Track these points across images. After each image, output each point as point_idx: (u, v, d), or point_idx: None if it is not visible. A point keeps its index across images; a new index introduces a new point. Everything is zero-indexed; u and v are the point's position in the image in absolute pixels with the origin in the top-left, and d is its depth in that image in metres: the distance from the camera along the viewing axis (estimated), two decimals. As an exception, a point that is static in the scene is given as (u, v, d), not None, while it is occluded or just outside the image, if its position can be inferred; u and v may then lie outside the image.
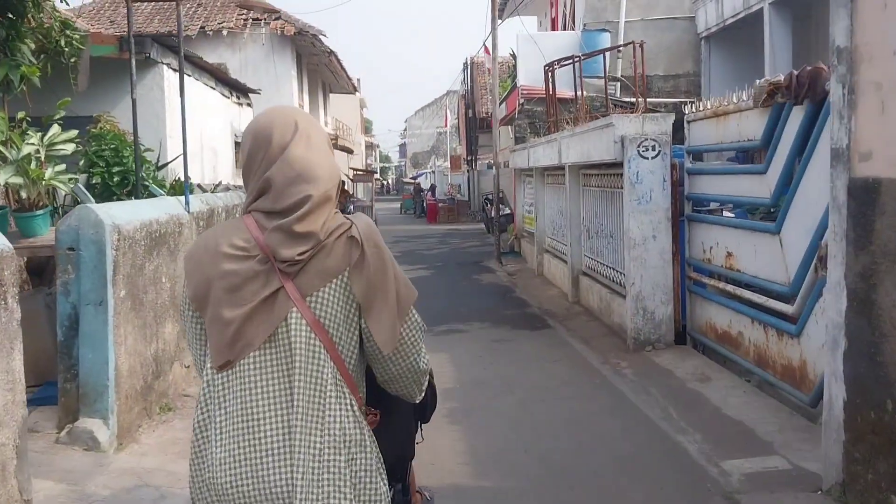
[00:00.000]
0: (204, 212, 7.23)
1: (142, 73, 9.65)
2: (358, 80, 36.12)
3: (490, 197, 26.08)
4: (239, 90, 13.96)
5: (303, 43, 23.06)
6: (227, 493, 1.76)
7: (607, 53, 16.38)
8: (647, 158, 7.43)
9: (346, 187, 30.17)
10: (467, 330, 8.86)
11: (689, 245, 7.51)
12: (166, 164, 9.48)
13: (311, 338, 1.78)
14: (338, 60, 25.48)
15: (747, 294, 6.23)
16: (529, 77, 17.70)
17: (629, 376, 6.62)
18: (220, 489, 1.76)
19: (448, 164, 42.03)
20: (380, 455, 1.87)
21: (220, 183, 9.57)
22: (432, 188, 32.83)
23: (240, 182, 13.42)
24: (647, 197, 7.45)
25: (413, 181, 46.72)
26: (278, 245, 1.76)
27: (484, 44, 27.81)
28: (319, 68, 26.83)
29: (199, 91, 11.28)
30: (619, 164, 8.21)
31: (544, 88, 15.41)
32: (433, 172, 44.02)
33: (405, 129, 74.33)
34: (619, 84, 17.79)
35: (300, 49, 23.69)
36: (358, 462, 1.80)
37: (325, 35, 22.20)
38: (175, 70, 9.92)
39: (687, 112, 7.42)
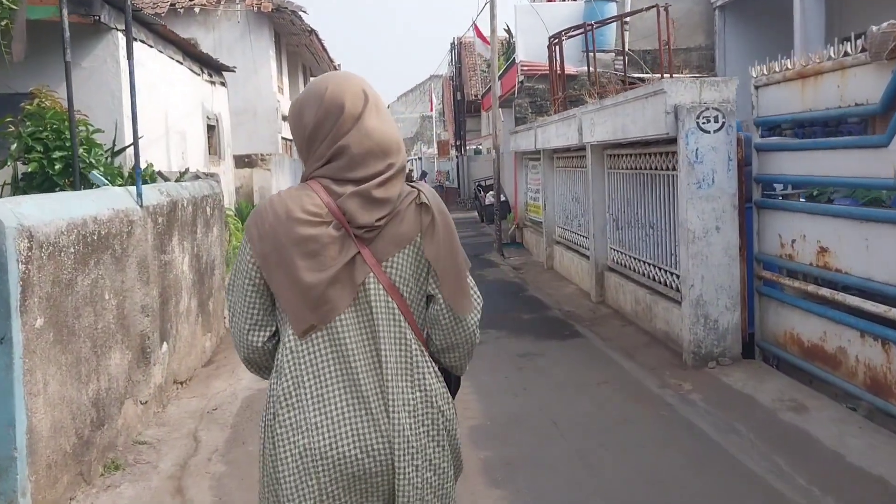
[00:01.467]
0: (164, 205, 5.80)
1: (92, 41, 8.16)
2: (339, 65, 34.52)
3: (483, 183, 24.70)
4: (211, 67, 12.45)
5: (281, 21, 21.46)
6: (326, 456, 1.77)
7: (615, 24, 15.03)
8: (709, 132, 6.08)
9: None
10: (484, 340, 7.48)
11: (758, 238, 6.19)
12: (123, 150, 7.98)
13: (388, 301, 1.83)
14: (318, 40, 23.91)
15: (854, 300, 4.91)
16: (529, 52, 16.32)
17: (701, 405, 5.29)
18: (318, 453, 1.77)
19: (434, 150, 40.55)
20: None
21: (186, 170, 8.11)
22: (423, 175, 31.35)
23: (213, 169, 11.95)
24: (709, 179, 6.10)
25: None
26: (356, 210, 1.80)
27: (474, 22, 26.34)
28: (299, 49, 25.24)
29: (164, 66, 9.79)
30: (664, 142, 6.88)
31: (548, 63, 14.05)
32: (419, 159, 42.49)
33: (387, 116, 72.44)
34: (627, 59, 16.45)
35: (278, 28, 22.11)
36: (447, 414, 1.89)
37: (304, 12, 20.64)
38: (133, 39, 8.42)
39: (755, 75, 6.07)
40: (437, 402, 1.87)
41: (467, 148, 31.05)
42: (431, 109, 40.83)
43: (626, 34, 16.59)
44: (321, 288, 1.78)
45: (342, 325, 1.81)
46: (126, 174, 7.02)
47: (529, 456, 4.57)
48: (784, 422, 4.85)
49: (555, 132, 10.88)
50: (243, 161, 14.01)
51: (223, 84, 13.18)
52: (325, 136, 1.84)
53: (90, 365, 4.19)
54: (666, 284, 7.20)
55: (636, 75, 14.89)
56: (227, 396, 6.03)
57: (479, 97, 27.67)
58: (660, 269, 7.38)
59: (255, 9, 20.03)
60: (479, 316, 1.98)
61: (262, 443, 1.87)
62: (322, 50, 25.28)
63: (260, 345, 1.89)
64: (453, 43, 30.99)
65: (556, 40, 13.38)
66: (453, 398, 2.05)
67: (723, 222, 6.13)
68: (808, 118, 5.42)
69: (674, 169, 6.86)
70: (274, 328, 1.90)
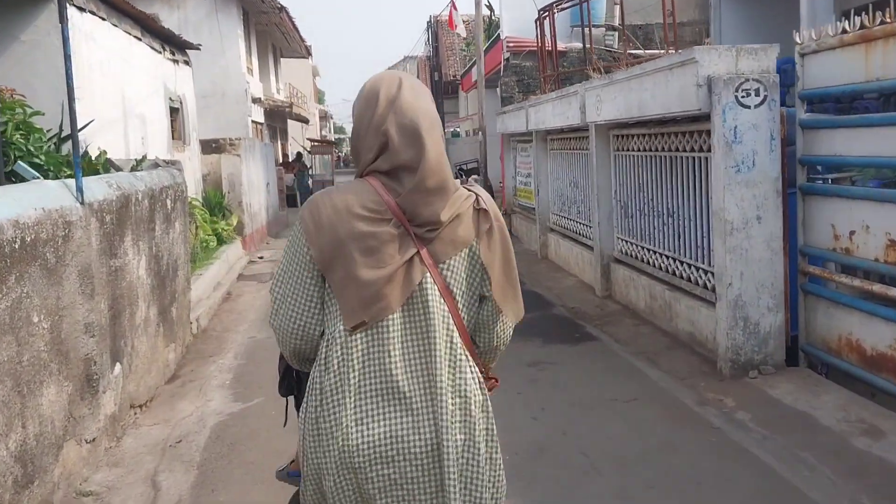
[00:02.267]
0: (112, 201, 4.87)
1: (33, 10, 7.16)
2: (310, 46, 33.22)
3: (465, 167, 23.80)
4: (174, 44, 11.41)
5: (250, -3, 20.36)
6: (363, 454, 1.75)
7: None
8: (749, 107, 5.26)
9: (302, 159, 27.61)
10: (486, 345, 6.67)
11: (802, 228, 5.41)
12: (71, 135, 7.00)
13: (441, 303, 1.82)
14: (289, 18, 22.81)
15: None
16: (514, 27, 15.50)
17: (753, 427, 4.51)
18: (356, 449, 1.76)
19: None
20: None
21: (144, 158, 7.15)
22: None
23: (177, 155, 10.95)
24: (750, 162, 5.30)
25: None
26: (417, 205, 1.79)
27: (452, 2, 25.33)
28: (269, 29, 24.08)
29: (120, 41, 8.78)
30: (687, 120, 6.07)
31: (537, 38, 13.19)
32: (396, 142, 41.50)
33: (361, 99, 70.95)
34: (616, 34, 15.65)
35: (247, 5, 20.96)
36: (484, 422, 1.85)
37: (274, -13, 19.52)
38: (81, 9, 7.44)
39: (802, 41, 5.26)
40: (473, 410, 1.83)
41: (446, 130, 30.13)
42: (407, 91, 39.76)
43: (617, 8, 15.80)
44: (378, 285, 1.78)
45: (394, 323, 1.80)
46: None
47: (562, 499, 3.76)
48: (859, 450, 4.08)
49: (551, 111, 10.03)
50: (210, 146, 13.01)
51: (187, 63, 12.16)
52: (368, 127, 1.86)
53: (12, 409, 3.29)
54: (690, 280, 6.41)
55: (633, 51, 14.11)
56: (193, 423, 5.15)
57: (458, 77, 26.73)
58: (681, 262, 6.58)
59: (222, -15, 18.93)
60: (516, 317, 2.01)
61: (303, 437, 1.85)
62: (293, 29, 24.16)
63: (316, 336, 1.87)
64: (430, 21, 29.94)
65: (547, 13, 12.52)
66: None
67: (765, 211, 5.34)
68: (877, 88, 4.61)
69: (700, 150, 6.06)
70: (324, 319, 1.88)
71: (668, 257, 6.90)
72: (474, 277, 1.89)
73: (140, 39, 9.49)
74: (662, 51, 13.32)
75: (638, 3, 16.27)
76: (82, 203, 4.26)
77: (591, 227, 9.13)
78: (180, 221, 7.02)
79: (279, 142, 27.55)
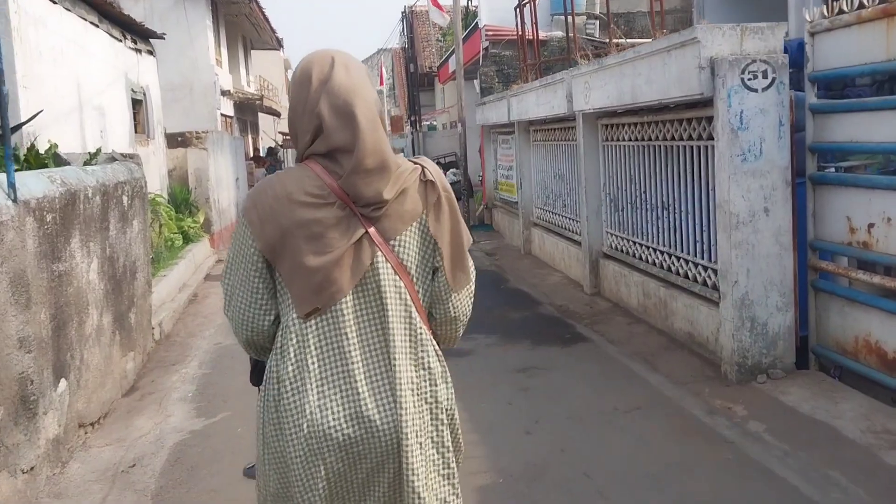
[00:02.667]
0: (55, 198, 4.34)
1: (-28, -10, 6.56)
2: (282, 39, 32.49)
3: (443, 160, 23.33)
4: (136, 33, 10.81)
5: (218, -13, 19.71)
6: (331, 437, 1.75)
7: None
8: (757, 91, 4.85)
9: (276, 153, 26.97)
10: (472, 349, 6.22)
11: (813, 220, 5.02)
12: (19, 127, 6.45)
13: (396, 280, 1.81)
14: (259, 8, 22.16)
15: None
16: (494, 16, 15.00)
17: (769, 440, 4.10)
18: (322, 435, 1.75)
19: (387, 126, 38.97)
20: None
21: (98, 151, 6.59)
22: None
23: (140, 149, 10.36)
24: (757, 150, 4.89)
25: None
26: (359, 186, 1.77)
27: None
28: (239, 20, 23.41)
29: (75, 27, 8.19)
30: (683, 106, 5.66)
31: (517, 27, 12.74)
32: (371, 136, 40.80)
33: (335, 93, 69.99)
34: (598, 22, 15.25)
35: (216, -5, 20.31)
36: (445, 391, 1.88)
37: (244, -24, 18.87)
38: (27, -11, 6.85)
39: (812, 18, 4.86)
40: (437, 381, 1.86)
41: (422, 124, 29.59)
42: (381, 84, 39.16)
43: (599, -5, 15.40)
44: (326, 270, 1.77)
45: (347, 305, 1.79)
46: (23, 158, 5.53)
47: (568, 536, 3.32)
48: (892, 466, 3.68)
49: (535, 101, 9.59)
50: (176, 140, 12.40)
51: (151, 53, 11.55)
52: (302, 110, 1.83)
53: (-78, 444, 2.78)
54: (688, 277, 6.00)
55: (616, 40, 13.72)
56: (150, 443, 4.64)
57: (435, 69, 26.23)
58: (678, 258, 6.18)
59: (189, -27, 18.26)
60: (473, 287, 2.00)
61: (263, 425, 1.83)
62: (263, 19, 23.49)
63: (266, 327, 1.85)
64: (404, 12, 29.36)
65: (527, 1, 12.07)
66: None
67: (773, 203, 4.93)
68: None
69: (699, 138, 5.64)
70: (276, 309, 1.85)
71: (662, 253, 6.49)
72: (426, 250, 1.88)
73: (97, 26, 8.89)
74: (647, 39, 12.91)
75: (617, -9, 15.89)
76: (14, 201, 3.73)
77: (577, 222, 8.71)
78: (139, 219, 6.48)
79: (250, 135, 26.90)
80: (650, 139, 6.58)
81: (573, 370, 5.59)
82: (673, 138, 6.09)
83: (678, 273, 6.18)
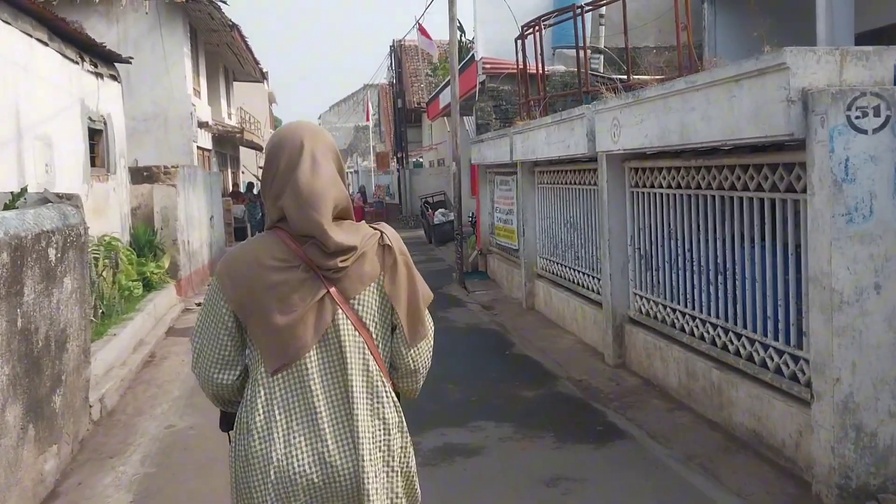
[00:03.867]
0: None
1: None
2: (266, 72, 31.42)
3: (430, 200, 22.26)
4: (97, 55, 9.65)
5: (198, 14, 18.66)
6: (296, 484, 1.88)
7: (587, 16, 12.80)
8: (866, 132, 3.76)
9: (254, 189, 25.82)
10: (483, 446, 5.01)
11: (932, 300, 3.89)
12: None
13: (356, 336, 1.97)
14: (241, 37, 21.13)
15: None
16: (491, 48, 14.03)
17: None
18: (289, 481, 1.88)
19: (371, 162, 37.91)
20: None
21: (23, 191, 5.37)
22: (361, 191, 28.49)
23: (97, 185, 9.15)
24: (866, 208, 3.78)
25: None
26: (318, 257, 1.94)
27: (417, 22, 23.93)
28: (221, 49, 22.38)
29: (15, 44, 7.01)
30: (743, 150, 4.57)
31: (518, 59, 11.73)
32: (356, 172, 39.74)
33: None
34: (602, 57, 14.32)
35: (195, 22, 19.27)
36: (399, 441, 2.02)
37: (224, 2, 17.86)
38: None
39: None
40: (392, 430, 1.99)
41: (410, 161, 28.60)
42: (368, 119, 38.19)
43: (602, 28, 14.51)
44: (292, 328, 1.90)
45: (311, 360, 1.93)
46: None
47: None
48: None
49: (544, 139, 8.50)
50: (141, 175, 11.19)
51: (115, 78, 10.38)
52: (268, 191, 2.01)
53: None
54: (752, 360, 4.85)
55: (617, 76, 12.78)
56: None
57: (425, 104, 25.27)
58: (738, 335, 5.03)
59: (167, -2, 17.22)
60: (431, 343, 2.15)
61: (234, 473, 1.97)
62: (246, 49, 22.45)
63: (229, 383, 2.00)
64: (393, 45, 28.52)
65: (531, 30, 11.08)
66: None
67: (886, 277, 3.81)
68: None
69: (772, 189, 4.54)
70: (242, 366, 2.01)
71: (716, 326, 5.35)
72: (385, 308, 2.03)
73: (46, 44, 7.73)
74: (650, 77, 11.89)
75: (622, 25, 15.05)
76: None
77: (596, 278, 7.57)
78: (74, 276, 5.25)
79: (230, 170, 25.70)
80: (698, 187, 5.48)
81: (615, 483, 4.38)
82: (733, 187, 4.98)
83: (738, 354, 5.02)
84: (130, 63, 10.79)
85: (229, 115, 25.12)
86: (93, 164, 9.55)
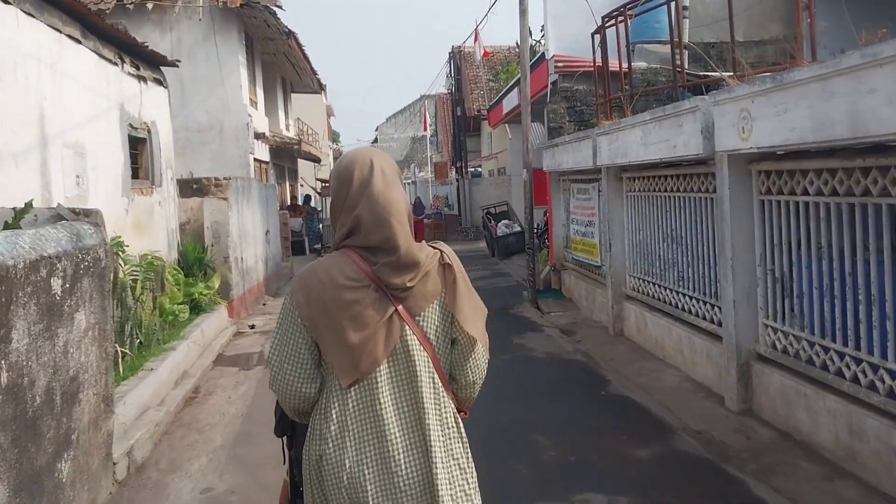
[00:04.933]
0: None
1: None
2: (325, 85, 30.81)
3: (493, 211, 21.14)
4: (140, 57, 8.87)
5: (253, 21, 18.00)
6: (365, 490, 1.97)
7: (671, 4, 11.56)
8: None
9: (311, 202, 25.13)
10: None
11: None
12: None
13: (421, 351, 2.07)
14: (298, 46, 20.44)
15: None
16: (563, 45, 12.90)
17: None
18: (359, 486, 1.98)
19: (429, 173, 37.02)
20: None
21: (28, 206, 4.47)
22: (417, 203, 27.55)
23: (139, 199, 8.33)
24: None
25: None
26: (388, 276, 2.03)
27: (476, 28, 22.93)
28: (277, 59, 21.77)
29: (41, 39, 6.21)
30: None
31: (593, 57, 10.60)
32: (414, 183, 38.90)
33: (375, 139, 69.04)
34: (686, 53, 13.04)
35: (250, 30, 18.63)
36: (462, 446, 2.12)
37: (280, 7, 17.15)
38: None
39: None
40: (457, 438, 2.10)
41: (468, 171, 27.56)
42: (425, 129, 37.33)
43: (687, 21, 13.23)
44: (365, 344, 2.00)
45: (381, 374, 2.03)
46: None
47: None
48: None
49: (639, 139, 7.33)
50: (191, 188, 10.39)
51: (160, 82, 9.60)
52: (342, 207, 2.11)
53: None
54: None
55: (704, 73, 11.52)
56: None
57: (486, 111, 24.22)
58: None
59: (221, 4, 16.59)
60: (486, 356, 2.23)
61: (309, 476, 2.06)
62: (303, 58, 21.77)
63: (312, 395, 2.08)
64: (452, 52, 27.57)
65: (612, 21, 9.94)
66: None
67: None
68: None
69: None
70: (321, 378, 2.10)
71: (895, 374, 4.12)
72: (446, 324, 2.12)
73: (79, 42, 6.92)
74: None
75: (709, 17, 13.77)
76: None
77: (706, 303, 6.38)
78: (89, 310, 4.31)
79: (287, 182, 25.05)
80: (865, 193, 4.26)
81: None
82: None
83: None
84: (177, 66, 10.02)
85: (287, 126, 24.51)
86: (135, 176, 8.76)
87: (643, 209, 8.13)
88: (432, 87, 69.90)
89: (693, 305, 6.82)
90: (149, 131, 9.00)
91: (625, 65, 10.23)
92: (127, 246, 7.56)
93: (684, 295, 7.03)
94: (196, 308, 9.26)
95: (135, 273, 7.42)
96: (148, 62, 9.18)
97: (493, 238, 19.64)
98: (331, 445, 2.01)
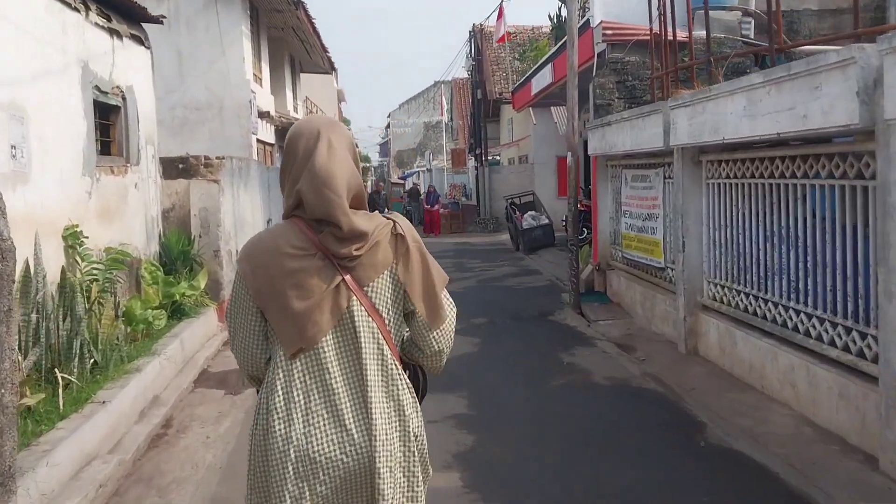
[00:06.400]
0: None
1: None
2: (333, 60, 29.05)
3: (517, 201, 19.47)
4: (113, 8, 7.28)
5: (258, -10, 16.40)
6: (316, 462, 1.97)
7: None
8: None
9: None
10: None
11: None
12: None
13: (369, 321, 2.05)
14: (308, 18, 18.80)
15: None
16: (610, 11, 11.24)
17: None
18: (308, 459, 1.97)
19: (445, 161, 35.35)
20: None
21: None
22: (431, 192, 25.74)
23: (109, 180, 6.77)
24: None
25: (402, 181, 40.00)
26: (335, 245, 2.02)
27: (500, 4, 21.22)
28: (285, 35, 20.14)
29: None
30: None
31: (650, 22, 8.97)
32: (429, 171, 37.17)
33: (388, 126, 67.23)
34: (752, 22, 11.37)
35: (256, 1, 17.02)
36: (413, 421, 2.10)
37: (288, -27, 15.51)
38: None
39: None
40: (406, 411, 2.07)
41: (487, 158, 25.85)
42: (442, 114, 35.70)
43: (756, -15, 11.55)
44: (309, 313, 1.99)
45: (327, 344, 2.02)
46: None
47: None
48: None
49: (742, 110, 5.68)
50: (176, 167, 8.80)
51: (141, 41, 8.01)
52: (286, 178, 2.11)
53: None
54: None
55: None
56: None
57: (509, 94, 22.52)
58: None
59: (222, -32, 15.00)
60: (452, 323, 2.21)
61: (252, 451, 2.05)
62: (312, 33, 20.07)
63: (264, 362, 2.11)
64: (472, 31, 25.85)
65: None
66: (422, 400, 2.24)
67: None
68: None
69: None
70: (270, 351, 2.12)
71: None
72: (398, 295, 2.09)
73: (20, -25, 5.34)
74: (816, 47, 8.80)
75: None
76: None
77: (841, 327, 4.76)
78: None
79: (294, 168, 23.44)
80: None
81: None
82: None
83: None
84: (161, 23, 8.42)
85: (295, 107, 22.90)
86: (105, 152, 7.19)
87: (732, 200, 6.50)
88: (449, 70, 67.85)
89: (815, 327, 5.20)
90: (123, 98, 7.42)
91: (690, 31, 8.58)
92: (86, 237, 6.00)
93: (799, 312, 5.41)
94: (178, 312, 7.71)
95: (93, 273, 5.86)
96: (123, 14, 7.59)
97: (517, 231, 18.01)
98: (276, 418, 1.99)
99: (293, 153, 2.06)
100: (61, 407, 4.63)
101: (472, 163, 28.69)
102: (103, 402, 4.87)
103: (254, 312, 2.04)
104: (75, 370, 5.08)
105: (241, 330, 2.08)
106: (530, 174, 23.83)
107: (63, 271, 5.38)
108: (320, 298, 1.98)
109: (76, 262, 5.93)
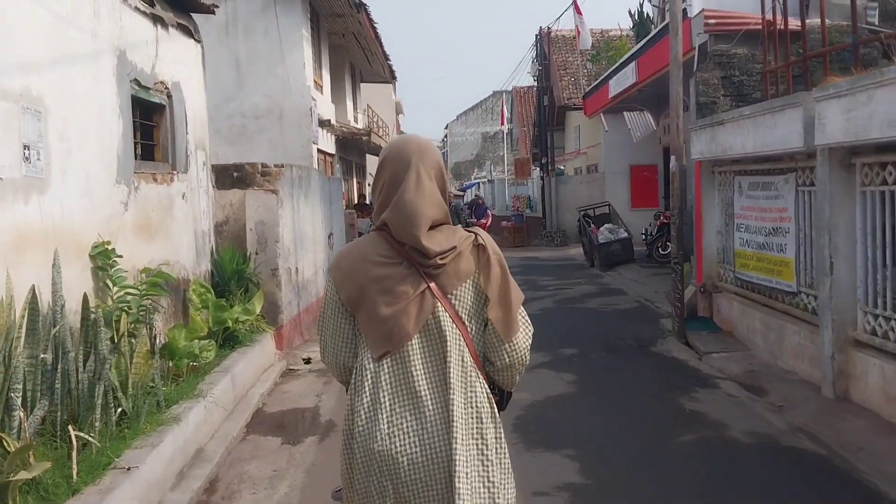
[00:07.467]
0: None
1: None
2: (394, 68, 28.11)
3: (591, 213, 18.15)
4: (159, -6, 6.35)
5: (319, -10, 15.57)
6: (397, 462, 2.00)
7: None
8: None
9: (368, 201, 22.57)
10: None
11: None
12: None
13: (453, 328, 2.08)
14: (370, 22, 17.90)
15: None
16: (709, 1, 9.98)
17: None
18: (389, 458, 2.00)
19: (506, 171, 34.18)
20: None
21: None
22: (478, 204, 24.15)
23: (153, 190, 5.84)
24: None
25: (461, 193, 38.94)
26: (418, 255, 2.07)
27: (575, 1, 20.01)
28: (346, 42, 19.31)
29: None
30: None
31: (762, 10, 7.69)
32: (490, 182, 36.02)
33: (445, 137, 66.35)
34: (877, 8, 9.97)
35: (316, 2, 16.18)
36: (493, 432, 2.09)
37: (350, -27, 14.63)
38: None
39: None
40: (485, 420, 2.07)
41: (553, 169, 24.59)
42: (503, 123, 34.54)
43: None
44: (394, 318, 2.04)
45: (413, 349, 2.06)
46: None
47: None
48: None
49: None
50: (230, 176, 7.85)
51: (190, 33, 7.08)
52: (376, 198, 2.18)
53: None
54: None
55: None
56: None
57: (581, 98, 21.26)
58: None
59: (282, -32, 14.20)
60: (529, 341, 2.21)
61: (343, 448, 2.10)
62: (374, 38, 19.15)
63: (353, 366, 2.16)
64: (538, 35, 24.67)
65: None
66: (503, 409, 2.24)
67: None
68: None
69: None
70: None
71: None
72: (479, 303, 2.13)
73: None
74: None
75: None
76: None
77: None
78: None
79: (355, 179, 22.60)
80: None
81: None
82: None
83: None
84: (214, 13, 7.51)
85: (355, 118, 22.05)
86: (148, 157, 6.27)
87: (905, 211, 5.20)
88: (511, 79, 66.48)
89: None
90: (168, 95, 6.49)
91: (803, 20, 7.29)
92: (119, 256, 5.03)
93: None
94: (230, 340, 6.73)
95: (126, 300, 4.88)
96: (171, 3, 6.67)
97: (592, 245, 16.71)
98: (363, 417, 2.03)
99: (382, 176, 2.15)
100: (74, 476, 3.62)
101: (537, 173, 27.42)
102: (128, 469, 3.85)
103: (346, 318, 2.13)
104: (97, 424, 4.07)
105: (332, 335, 2.16)
106: (601, 184, 22.47)
107: (85, 299, 4.40)
108: (406, 304, 2.04)
109: (107, 286, 4.96)
